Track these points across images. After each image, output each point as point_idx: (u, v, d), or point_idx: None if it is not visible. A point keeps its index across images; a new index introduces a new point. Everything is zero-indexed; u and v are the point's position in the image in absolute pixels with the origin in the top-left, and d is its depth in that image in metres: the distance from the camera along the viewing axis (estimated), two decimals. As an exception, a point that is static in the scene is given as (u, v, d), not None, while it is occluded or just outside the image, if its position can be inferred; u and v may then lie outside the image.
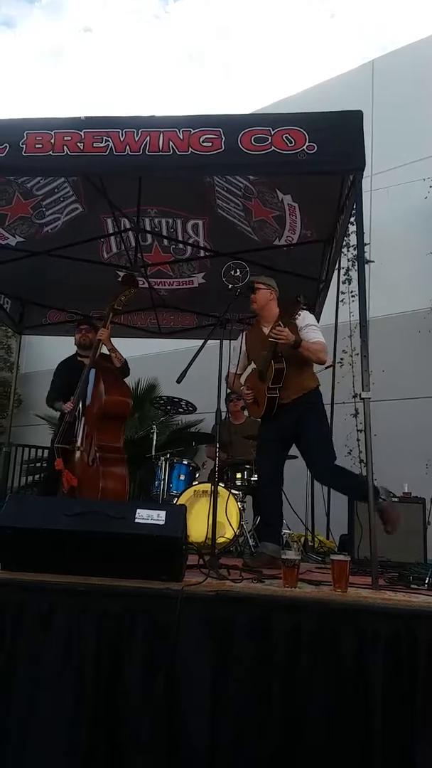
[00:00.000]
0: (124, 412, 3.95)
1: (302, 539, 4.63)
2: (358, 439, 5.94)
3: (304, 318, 3.41)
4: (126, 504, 3.21)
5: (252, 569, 2.94)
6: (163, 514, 2.40)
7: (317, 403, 3.52)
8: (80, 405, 3.99)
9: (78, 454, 3.87)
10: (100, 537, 2.37)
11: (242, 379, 3.76)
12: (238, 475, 4.61)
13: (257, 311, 3.64)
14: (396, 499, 3.94)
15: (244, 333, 3.77)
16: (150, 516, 2.39)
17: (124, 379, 4.16)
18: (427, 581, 2.76)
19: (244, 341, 3.71)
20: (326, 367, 5.04)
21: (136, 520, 2.38)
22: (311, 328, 3.44)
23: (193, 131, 3.06)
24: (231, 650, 2.15)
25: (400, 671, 2.07)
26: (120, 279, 4.18)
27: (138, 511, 2.41)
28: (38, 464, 8.02)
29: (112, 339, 4.26)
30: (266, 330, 3.52)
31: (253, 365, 3.70)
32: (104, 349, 4.15)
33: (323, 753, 2.04)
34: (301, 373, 3.47)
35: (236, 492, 4.26)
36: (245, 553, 4.05)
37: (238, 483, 4.59)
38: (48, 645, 2.18)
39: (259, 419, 3.68)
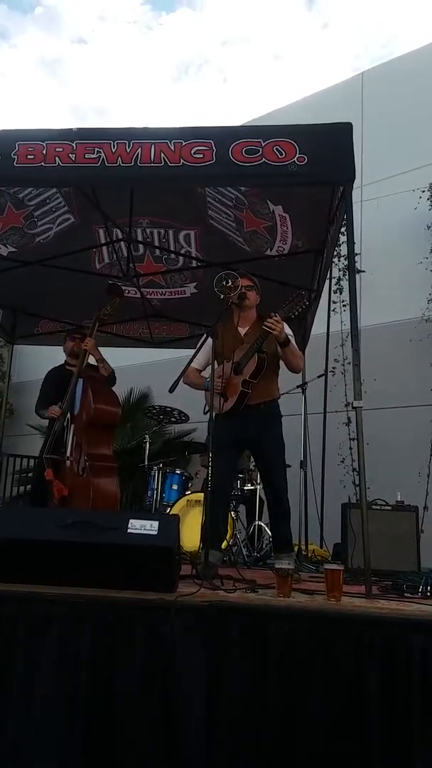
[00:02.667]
0: (113, 421, 3.93)
1: (296, 548, 4.62)
2: (350, 448, 5.95)
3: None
4: (119, 514, 3.20)
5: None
6: (155, 524, 2.40)
7: (279, 414, 3.50)
8: (69, 414, 3.98)
9: (68, 463, 3.86)
10: (92, 548, 2.36)
11: (203, 374, 3.59)
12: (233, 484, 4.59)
13: (245, 307, 3.50)
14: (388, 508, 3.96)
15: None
16: (143, 526, 2.38)
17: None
18: (420, 590, 2.76)
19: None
20: (318, 377, 5.08)
21: (129, 531, 2.37)
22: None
23: (184, 143, 3.09)
24: (226, 660, 2.14)
25: (396, 679, 2.07)
26: (105, 289, 4.18)
27: (131, 521, 2.40)
28: (30, 474, 7.99)
29: (105, 349, 4.25)
30: (241, 330, 3.50)
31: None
32: (92, 360, 4.14)
33: (321, 759, 2.03)
34: (271, 379, 3.48)
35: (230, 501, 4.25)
36: (238, 562, 4.04)
37: (232, 492, 4.58)
38: (43, 656, 2.17)
39: (220, 415, 3.35)
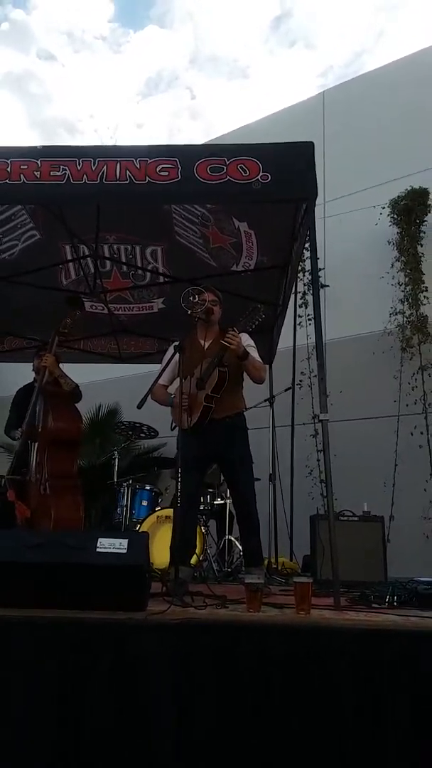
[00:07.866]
0: (75, 438, 3.84)
1: (266, 561, 4.63)
2: (318, 460, 6.01)
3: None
4: (87, 533, 3.16)
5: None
6: (125, 542, 2.38)
7: (246, 428, 3.51)
8: (31, 433, 3.90)
9: (31, 483, 3.78)
10: (60, 568, 2.33)
11: (169, 390, 3.58)
12: (201, 499, 4.59)
13: (211, 322, 3.49)
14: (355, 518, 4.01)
15: (177, 344, 3.49)
16: (112, 545, 2.36)
17: (77, 404, 4.04)
18: (387, 600, 2.80)
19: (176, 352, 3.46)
20: (285, 390, 5.14)
21: (98, 550, 2.35)
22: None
23: (149, 161, 3.12)
24: (197, 678, 2.13)
25: (366, 689, 2.09)
26: (65, 300, 4.09)
27: (100, 540, 2.38)
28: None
29: (72, 365, 4.18)
30: (205, 344, 3.47)
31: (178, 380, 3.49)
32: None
33: None
34: (235, 392, 3.48)
35: (199, 516, 4.25)
36: (209, 577, 4.03)
37: (202, 507, 4.57)
38: (6, 682, 2.12)
39: (186, 430, 3.34)
